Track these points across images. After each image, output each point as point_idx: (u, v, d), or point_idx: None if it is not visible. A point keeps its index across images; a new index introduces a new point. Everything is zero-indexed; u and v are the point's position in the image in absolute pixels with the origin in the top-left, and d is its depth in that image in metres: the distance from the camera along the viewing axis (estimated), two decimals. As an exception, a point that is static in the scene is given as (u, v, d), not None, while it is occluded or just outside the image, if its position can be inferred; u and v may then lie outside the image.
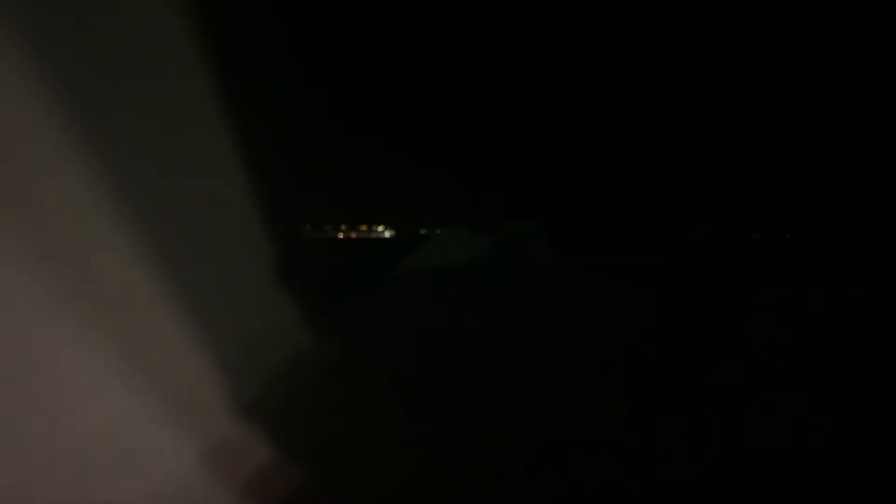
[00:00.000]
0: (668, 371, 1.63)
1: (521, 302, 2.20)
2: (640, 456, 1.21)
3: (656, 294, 2.34)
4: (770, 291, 2.49)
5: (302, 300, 1.69)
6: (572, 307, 2.11)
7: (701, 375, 1.60)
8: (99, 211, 0.98)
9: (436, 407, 1.41)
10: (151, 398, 1.03)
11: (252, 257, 1.53)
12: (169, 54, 1.25)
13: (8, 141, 0.84)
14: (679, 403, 1.42)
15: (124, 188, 1.02)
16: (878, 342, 1.73)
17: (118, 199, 1.01)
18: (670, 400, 1.45)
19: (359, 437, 1.28)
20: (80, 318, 0.91)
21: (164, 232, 1.13)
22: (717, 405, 1.41)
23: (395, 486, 1.14)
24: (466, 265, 3.51)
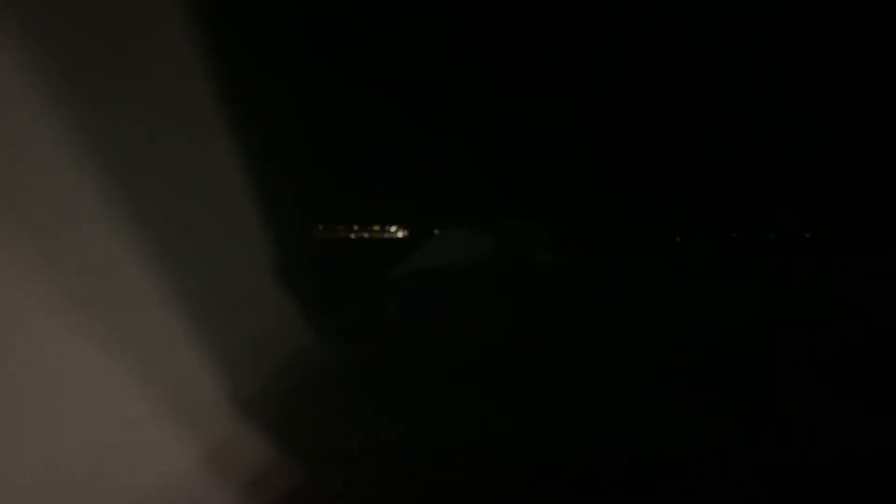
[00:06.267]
0: (671, 371, 1.62)
1: (523, 301, 2.20)
2: (641, 455, 1.21)
3: (660, 294, 2.32)
4: (783, 291, 2.46)
5: (306, 299, 1.71)
6: (573, 307, 2.11)
7: (704, 376, 1.59)
8: (99, 209, 0.99)
9: (437, 407, 1.42)
10: (151, 397, 1.05)
11: (256, 256, 1.55)
12: (177, 54, 1.26)
13: (9, 140, 0.85)
14: (680, 404, 1.42)
15: (126, 187, 1.04)
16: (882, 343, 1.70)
17: (118, 198, 1.02)
18: (671, 400, 1.44)
19: (359, 437, 1.29)
20: (80, 317, 0.92)
21: (166, 231, 1.14)
22: (717, 406, 1.40)
23: (396, 486, 1.15)
24: (467, 265, 3.51)
